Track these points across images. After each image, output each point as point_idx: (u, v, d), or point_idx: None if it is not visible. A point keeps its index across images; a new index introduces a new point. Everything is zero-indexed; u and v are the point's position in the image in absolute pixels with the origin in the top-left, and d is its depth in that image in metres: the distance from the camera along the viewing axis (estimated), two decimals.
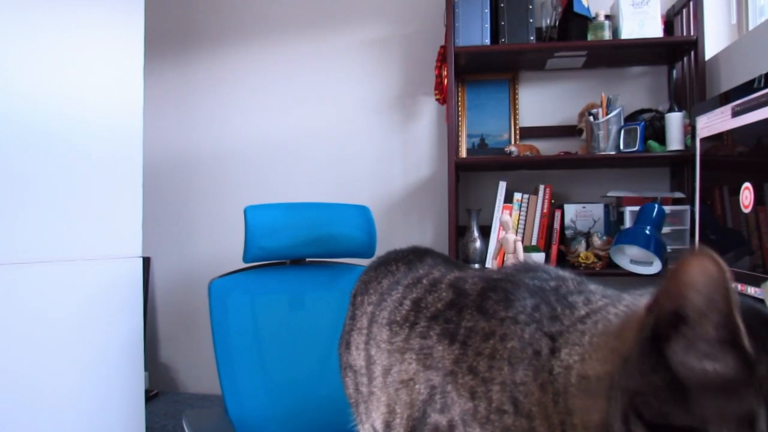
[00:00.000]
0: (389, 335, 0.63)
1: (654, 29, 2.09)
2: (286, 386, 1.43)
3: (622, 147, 2.06)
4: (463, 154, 2.36)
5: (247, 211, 1.46)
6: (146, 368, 1.98)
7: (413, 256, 0.78)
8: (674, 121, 2.04)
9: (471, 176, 2.43)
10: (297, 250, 1.50)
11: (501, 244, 1.88)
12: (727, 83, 1.94)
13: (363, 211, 1.55)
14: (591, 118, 2.13)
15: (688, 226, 1.96)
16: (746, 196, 1.08)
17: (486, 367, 0.50)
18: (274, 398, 1.41)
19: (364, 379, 0.68)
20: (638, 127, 2.04)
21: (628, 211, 2.04)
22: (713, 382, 0.36)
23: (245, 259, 1.45)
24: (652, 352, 0.39)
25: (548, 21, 2.23)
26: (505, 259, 1.85)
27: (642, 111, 2.19)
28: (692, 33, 2.06)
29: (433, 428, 0.52)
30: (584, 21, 2.14)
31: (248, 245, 1.44)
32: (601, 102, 2.11)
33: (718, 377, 0.36)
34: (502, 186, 2.19)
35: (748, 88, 1.09)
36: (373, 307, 0.71)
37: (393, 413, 0.60)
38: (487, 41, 2.15)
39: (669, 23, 2.22)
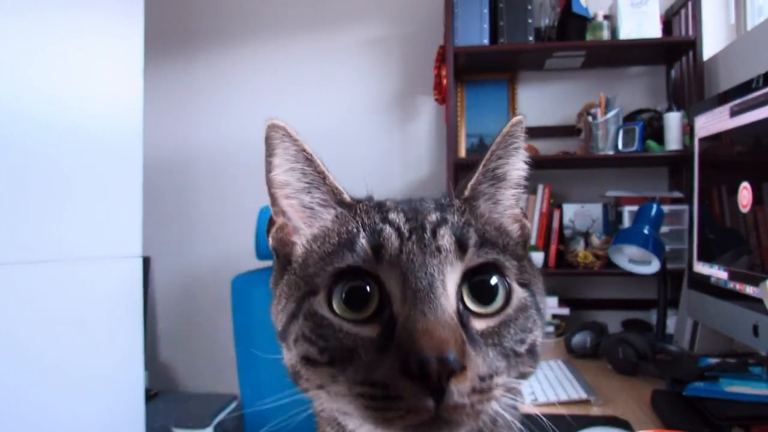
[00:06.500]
0: None
1: (652, 29, 2.09)
2: None
3: (620, 147, 2.07)
4: (462, 153, 2.36)
5: (262, 212, 1.63)
6: (146, 368, 1.98)
7: None
8: (673, 121, 2.05)
9: None
10: None
11: None
12: (726, 83, 1.94)
13: None
14: (590, 118, 2.13)
15: (686, 226, 1.97)
16: (744, 195, 1.09)
17: None
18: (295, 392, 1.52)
19: None
20: (637, 127, 2.05)
21: (627, 210, 2.05)
22: None
23: (259, 256, 1.62)
24: None
25: (547, 21, 2.23)
26: None
27: (640, 111, 2.19)
28: (691, 33, 2.06)
29: None
30: (583, 21, 2.14)
31: (261, 242, 1.60)
32: (600, 102, 2.12)
33: None
34: None
35: (746, 87, 1.09)
36: None
37: None
38: (486, 41, 2.16)
39: (668, 23, 2.22)
